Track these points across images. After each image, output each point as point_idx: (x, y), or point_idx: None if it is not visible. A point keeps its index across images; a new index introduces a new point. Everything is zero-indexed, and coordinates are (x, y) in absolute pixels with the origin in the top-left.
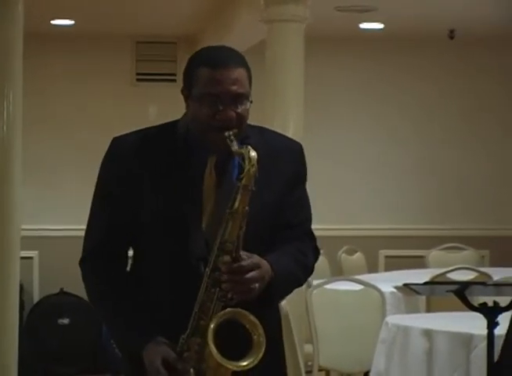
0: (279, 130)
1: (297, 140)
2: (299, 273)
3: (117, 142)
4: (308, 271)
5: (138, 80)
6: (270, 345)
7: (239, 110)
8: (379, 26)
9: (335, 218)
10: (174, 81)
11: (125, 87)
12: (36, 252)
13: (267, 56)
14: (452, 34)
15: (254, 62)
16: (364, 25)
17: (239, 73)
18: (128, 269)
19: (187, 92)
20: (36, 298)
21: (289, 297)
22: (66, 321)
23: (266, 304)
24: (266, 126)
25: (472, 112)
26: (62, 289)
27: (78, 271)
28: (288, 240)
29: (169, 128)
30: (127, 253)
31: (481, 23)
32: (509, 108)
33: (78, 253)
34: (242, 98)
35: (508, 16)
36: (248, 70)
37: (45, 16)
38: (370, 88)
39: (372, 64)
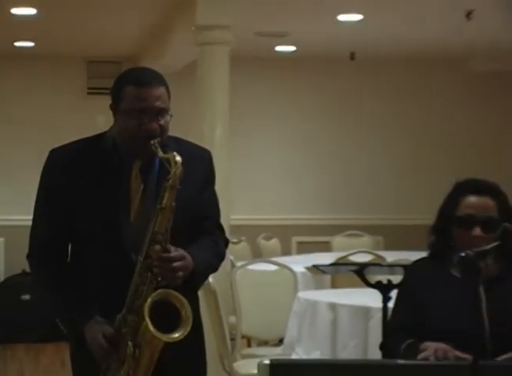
0: (208, 137)
1: (223, 146)
2: (214, 262)
3: (54, 153)
4: (221, 258)
5: (89, 93)
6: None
7: (161, 122)
8: (291, 48)
9: (255, 210)
10: None
11: (78, 100)
12: (2, 239)
13: (198, 73)
14: (352, 56)
15: (187, 78)
16: (279, 48)
17: (160, 91)
18: (69, 258)
19: (115, 106)
20: (1, 278)
21: (217, 277)
22: (27, 297)
23: (190, 289)
24: (194, 134)
25: (364, 117)
26: (24, 270)
27: None
28: (202, 232)
29: (99, 139)
30: (68, 246)
31: (376, 47)
32: (389, 114)
33: None
34: (163, 112)
35: (396, 40)
36: (167, 88)
37: (8, 38)
38: (283, 102)
39: (285, 81)
